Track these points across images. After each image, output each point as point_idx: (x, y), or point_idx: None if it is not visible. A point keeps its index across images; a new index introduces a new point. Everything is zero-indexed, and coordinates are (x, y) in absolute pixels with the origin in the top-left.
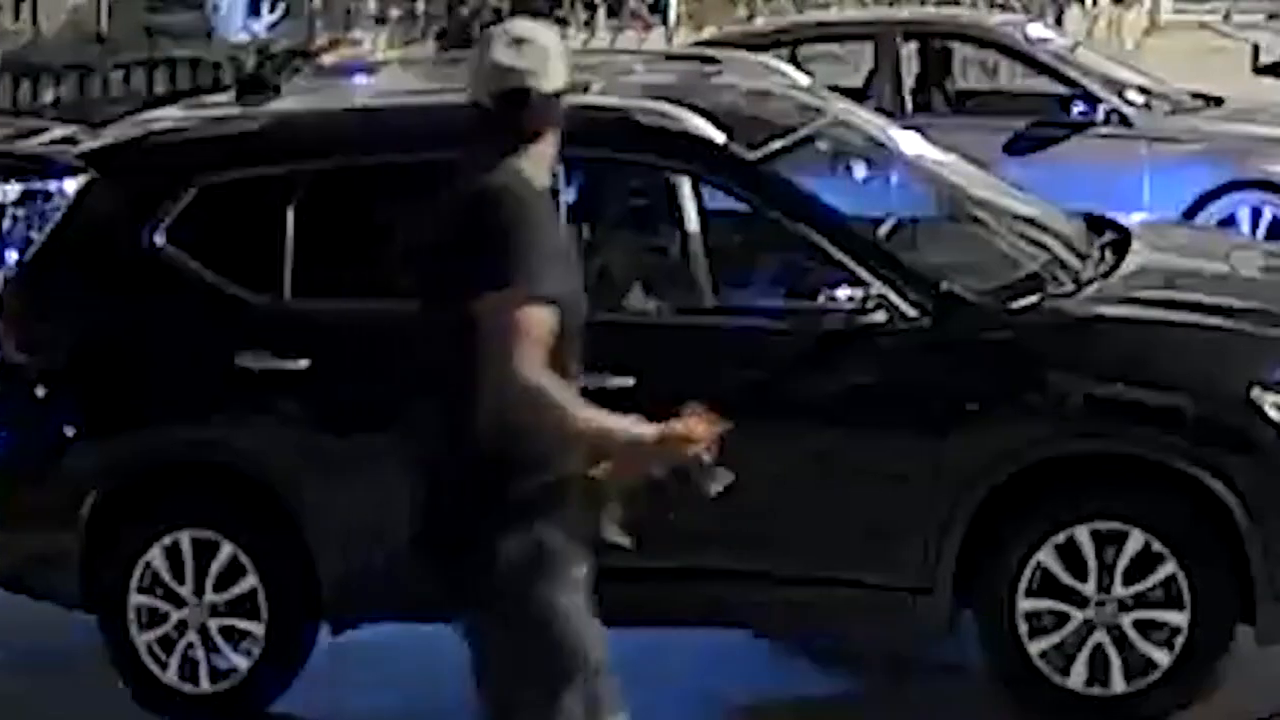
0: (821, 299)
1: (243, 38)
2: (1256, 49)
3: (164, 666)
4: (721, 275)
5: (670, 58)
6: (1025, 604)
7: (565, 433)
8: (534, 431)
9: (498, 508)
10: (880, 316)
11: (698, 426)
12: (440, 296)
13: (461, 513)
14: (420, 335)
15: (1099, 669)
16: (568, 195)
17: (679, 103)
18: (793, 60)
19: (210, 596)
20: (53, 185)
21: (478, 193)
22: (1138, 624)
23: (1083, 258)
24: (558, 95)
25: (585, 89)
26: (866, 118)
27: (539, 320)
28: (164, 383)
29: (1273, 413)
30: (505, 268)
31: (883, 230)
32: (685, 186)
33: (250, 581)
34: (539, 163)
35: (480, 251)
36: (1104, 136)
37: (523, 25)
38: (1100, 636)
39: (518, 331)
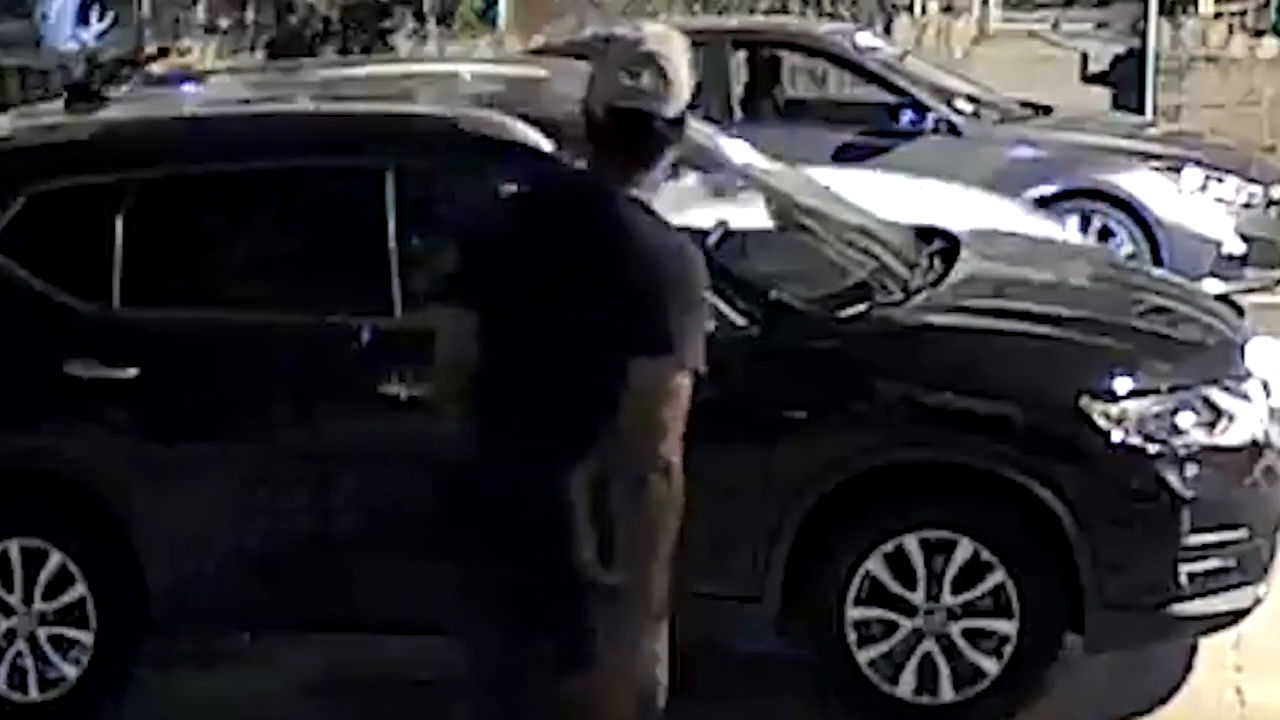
0: None
1: (71, 46)
2: (1085, 58)
3: None
4: None
5: (500, 66)
6: (854, 612)
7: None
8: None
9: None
10: (709, 325)
11: None
12: (548, 339)
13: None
14: (498, 367)
15: (928, 677)
16: (396, 205)
17: (507, 111)
18: None
19: (39, 605)
20: None
21: (626, 236)
22: (966, 633)
23: (911, 266)
24: (680, 120)
25: (414, 98)
26: (695, 126)
27: (687, 395)
28: None
29: (1101, 421)
30: (665, 334)
31: (711, 239)
32: None
33: (79, 590)
34: (650, 192)
35: (637, 310)
36: (933, 145)
37: (655, 35)
38: (929, 645)
39: (669, 408)
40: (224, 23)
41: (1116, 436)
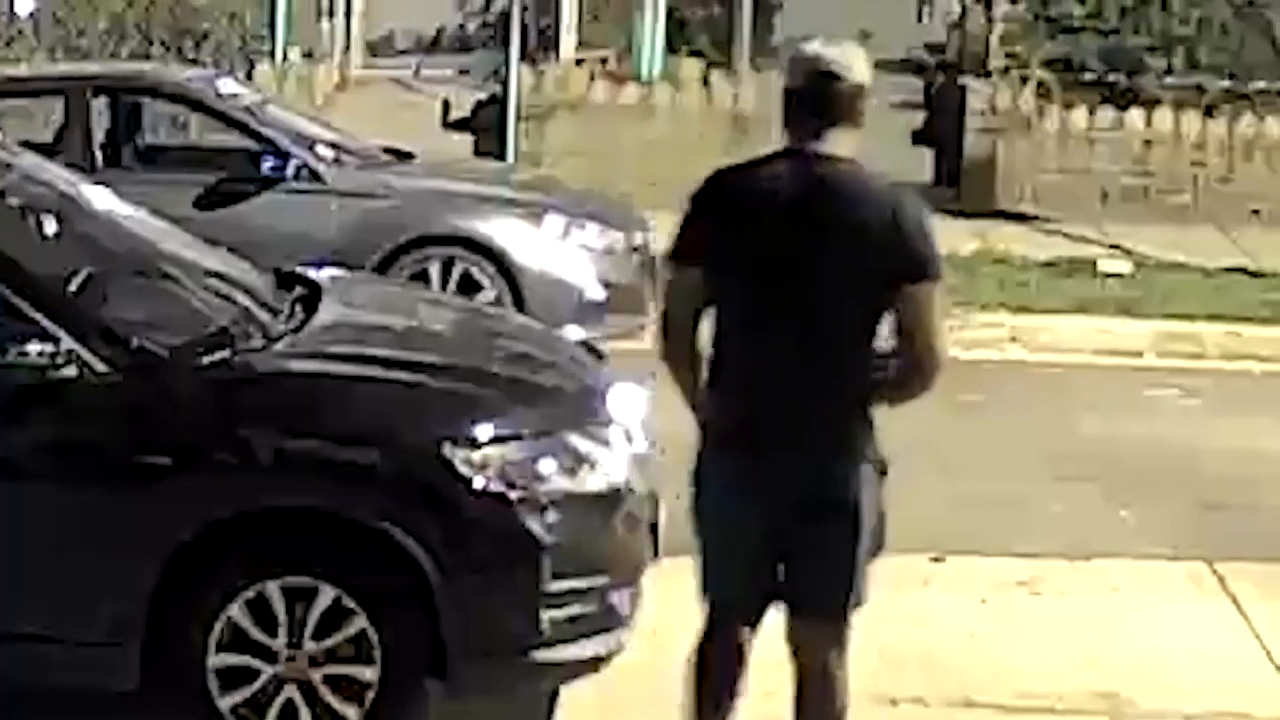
0: (11, 354)
1: None
2: (446, 104)
3: None
4: None
5: None
6: (216, 659)
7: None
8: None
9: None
10: (71, 372)
11: None
12: (842, 283)
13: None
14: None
15: None
16: None
17: None
18: None
19: None
20: None
21: (884, 189)
22: (328, 679)
23: (273, 313)
24: (860, 88)
25: None
26: (57, 173)
27: (943, 298)
28: None
29: (463, 468)
30: (935, 259)
31: (73, 286)
32: None
33: None
34: (846, 150)
35: (912, 245)
36: (295, 192)
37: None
38: (290, 692)
39: (940, 314)
40: None
41: (478, 483)
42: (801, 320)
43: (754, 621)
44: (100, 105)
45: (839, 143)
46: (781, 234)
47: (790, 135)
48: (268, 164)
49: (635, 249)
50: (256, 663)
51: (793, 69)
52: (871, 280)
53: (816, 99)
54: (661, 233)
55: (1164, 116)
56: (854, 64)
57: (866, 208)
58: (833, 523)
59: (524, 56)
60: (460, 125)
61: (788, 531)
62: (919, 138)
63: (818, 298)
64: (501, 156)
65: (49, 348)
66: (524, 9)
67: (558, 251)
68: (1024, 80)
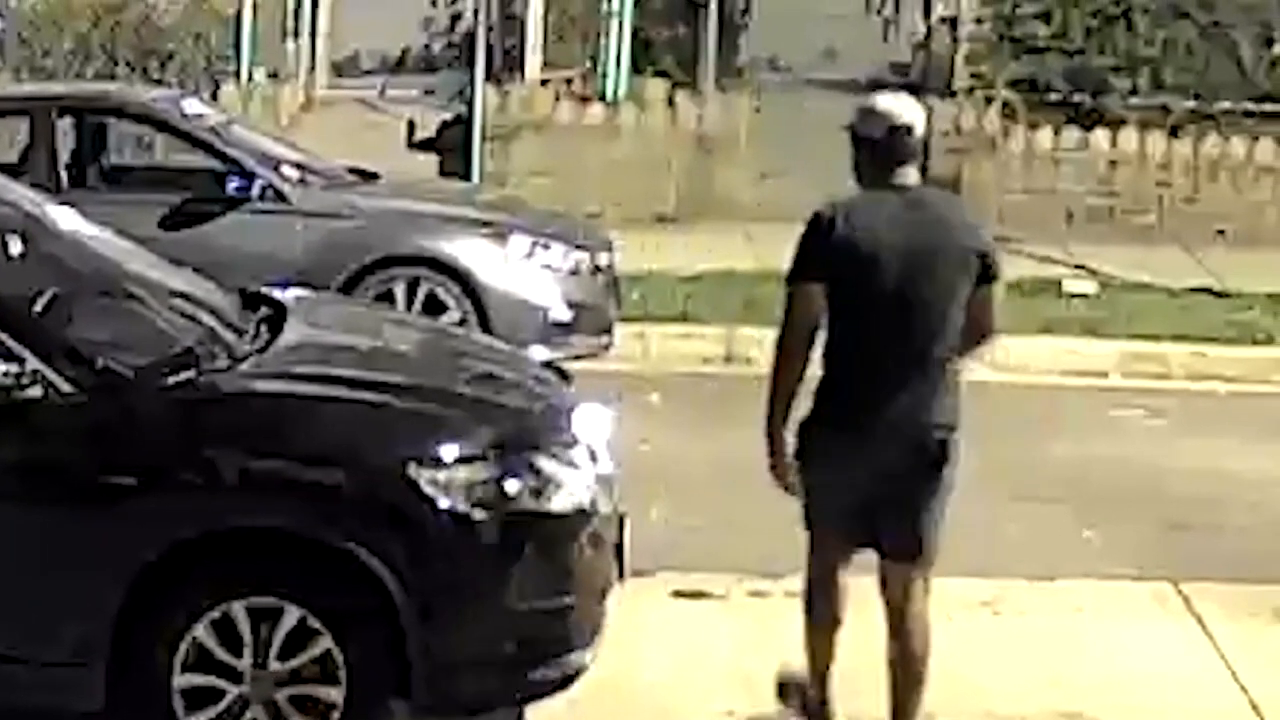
0: None
1: None
2: (412, 124)
3: None
4: None
5: None
6: (181, 679)
7: None
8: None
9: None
10: (36, 392)
11: None
12: (938, 285)
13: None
14: (894, 313)
15: None
16: None
17: None
18: None
19: None
20: None
21: (961, 207)
22: (293, 699)
23: (239, 333)
24: (904, 141)
25: None
26: (22, 193)
27: (1001, 292)
28: None
29: (428, 488)
30: (977, 255)
31: (38, 306)
32: None
33: None
34: (911, 180)
35: (989, 251)
36: (260, 212)
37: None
38: (256, 712)
39: (993, 301)
40: None
41: (444, 503)
42: (897, 316)
43: (847, 558)
44: (65, 125)
45: (909, 176)
46: (881, 250)
47: (873, 175)
48: (233, 184)
49: (600, 269)
50: (222, 683)
51: (869, 122)
52: (954, 280)
53: (894, 147)
54: (626, 252)
55: (1129, 137)
56: (920, 116)
57: (937, 219)
58: (926, 482)
59: (489, 77)
60: (425, 145)
61: (885, 491)
62: None
63: (911, 298)
64: (467, 177)
65: (14, 368)
66: (489, 29)
67: (523, 272)
68: (989, 100)
